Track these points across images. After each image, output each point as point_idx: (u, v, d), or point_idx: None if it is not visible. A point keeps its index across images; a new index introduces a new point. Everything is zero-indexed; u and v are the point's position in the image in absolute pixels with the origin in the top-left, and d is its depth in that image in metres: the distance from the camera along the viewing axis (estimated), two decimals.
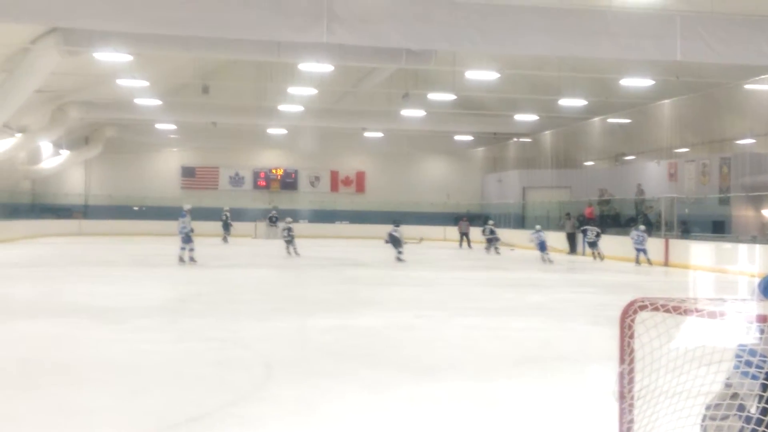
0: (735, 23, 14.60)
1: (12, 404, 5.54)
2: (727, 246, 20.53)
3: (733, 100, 24.44)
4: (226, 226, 33.33)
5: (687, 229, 23.29)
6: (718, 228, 23.50)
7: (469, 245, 31.11)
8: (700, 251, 20.37)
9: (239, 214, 37.66)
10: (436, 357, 7.62)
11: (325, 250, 22.26)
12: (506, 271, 19.58)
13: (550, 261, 22.45)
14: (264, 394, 5.95)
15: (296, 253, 22.48)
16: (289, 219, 24.22)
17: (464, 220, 32.77)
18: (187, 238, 19.32)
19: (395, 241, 22.03)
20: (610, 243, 25.37)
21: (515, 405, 5.68)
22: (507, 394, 6.02)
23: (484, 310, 11.42)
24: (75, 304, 11.29)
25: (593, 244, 24.42)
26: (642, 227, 22.07)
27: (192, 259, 19.23)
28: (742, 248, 19.45)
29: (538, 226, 24.51)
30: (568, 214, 28.54)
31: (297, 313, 10.56)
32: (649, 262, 21.45)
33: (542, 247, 23.01)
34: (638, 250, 21.70)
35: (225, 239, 32.39)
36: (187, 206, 20.38)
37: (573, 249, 27.35)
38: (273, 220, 36.08)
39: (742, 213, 23.50)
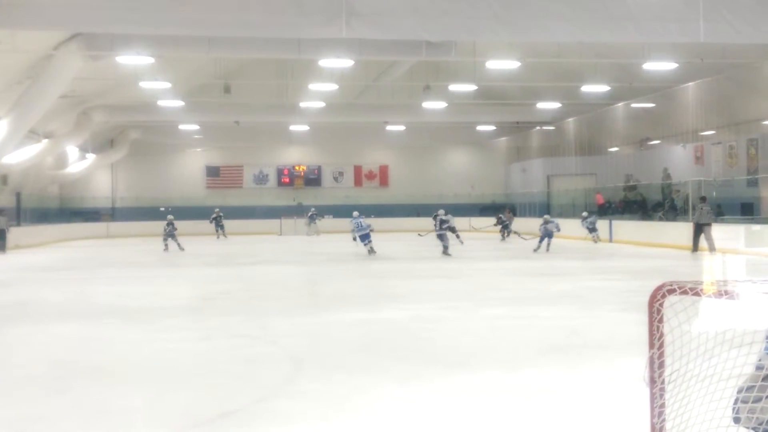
0: (758, 2, 14.39)
1: (45, 406, 5.60)
2: (756, 228, 20.28)
3: (758, 81, 24.10)
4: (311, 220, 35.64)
5: (716, 212, 23.02)
6: (747, 210, 23.19)
7: (509, 234, 31.71)
8: (729, 234, 20.12)
9: (264, 212, 37.86)
10: (464, 348, 7.60)
11: (351, 244, 22.25)
12: (531, 261, 19.48)
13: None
14: (293, 390, 5.97)
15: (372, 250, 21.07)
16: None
17: (509, 211, 33.13)
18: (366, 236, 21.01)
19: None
20: (636, 228, 25.17)
21: (546, 394, 5.66)
22: (537, 383, 5.99)
23: (510, 300, 11.38)
24: (105, 305, 11.42)
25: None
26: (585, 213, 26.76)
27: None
28: None
29: (584, 213, 27.33)
30: (703, 198, 21.35)
31: (324, 309, 10.59)
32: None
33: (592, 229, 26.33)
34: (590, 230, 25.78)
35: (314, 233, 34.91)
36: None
37: (711, 245, 19.95)
38: (313, 218, 35.76)
39: None
